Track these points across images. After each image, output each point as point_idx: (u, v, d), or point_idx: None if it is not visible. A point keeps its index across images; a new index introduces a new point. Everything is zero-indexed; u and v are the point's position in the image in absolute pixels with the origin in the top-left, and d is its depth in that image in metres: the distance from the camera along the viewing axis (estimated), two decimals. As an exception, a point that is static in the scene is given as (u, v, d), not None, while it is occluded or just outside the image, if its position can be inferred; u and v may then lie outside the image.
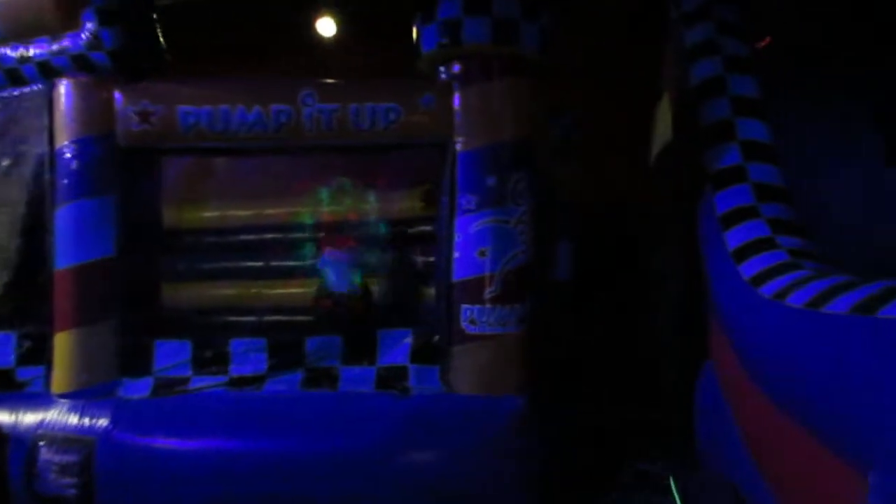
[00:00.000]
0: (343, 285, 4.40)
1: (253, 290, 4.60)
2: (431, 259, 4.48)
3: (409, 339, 4.22)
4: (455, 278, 4.10)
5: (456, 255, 4.10)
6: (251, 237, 4.72)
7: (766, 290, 3.19)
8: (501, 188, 4.07)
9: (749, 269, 3.54)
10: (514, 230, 4.23)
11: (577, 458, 4.86)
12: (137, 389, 4.16)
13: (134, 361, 4.20)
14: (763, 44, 4.72)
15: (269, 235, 4.76)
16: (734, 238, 3.80)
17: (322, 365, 4.37)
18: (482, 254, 4.18)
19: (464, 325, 4.08)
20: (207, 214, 4.78)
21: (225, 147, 4.22)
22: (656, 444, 5.22)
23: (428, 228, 4.28)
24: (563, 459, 4.60)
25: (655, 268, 5.98)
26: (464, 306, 4.07)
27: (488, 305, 4.18)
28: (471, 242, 4.06)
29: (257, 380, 4.23)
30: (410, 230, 4.67)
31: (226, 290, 4.66)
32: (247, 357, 4.37)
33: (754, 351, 3.13)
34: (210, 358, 4.25)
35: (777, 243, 3.60)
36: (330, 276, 4.52)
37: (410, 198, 4.66)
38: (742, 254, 3.68)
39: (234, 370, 4.28)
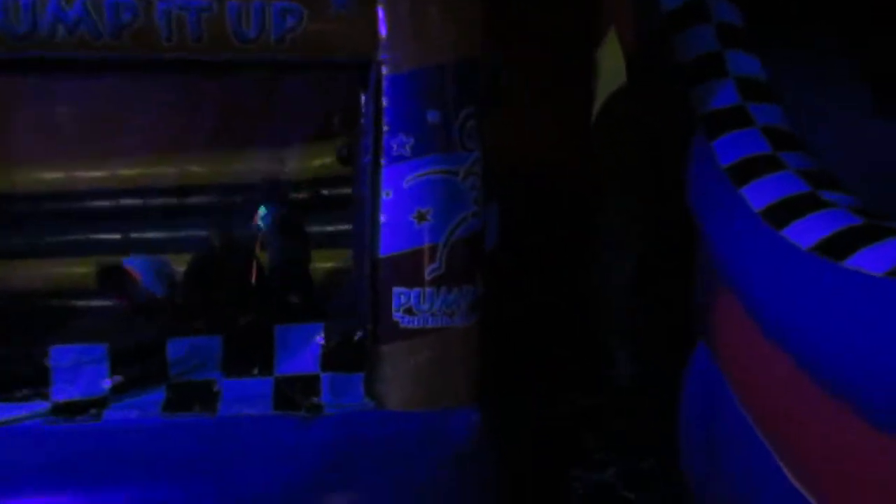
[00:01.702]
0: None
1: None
2: (348, 227, 3.29)
3: (318, 338, 3.25)
4: (382, 252, 3.19)
5: (383, 219, 3.19)
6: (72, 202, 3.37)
7: (858, 261, 2.36)
8: (446, 126, 3.14)
9: (800, 233, 2.70)
10: (463, 185, 3.15)
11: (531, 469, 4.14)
12: None
13: None
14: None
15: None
16: (760, 195, 3.05)
17: (193, 378, 3.15)
18: (420, 217, 3.10)
19: (396, 316, 3.16)
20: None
21: (32, 63, 3.00)
22: (610, 439, 4.62)
23: (345, 191, 3.49)
24: (518, 476, 3.71)
25: (600, 235, 5.15)
26: (396, 290, 3.16)
27: (430, 289, 3.15)
28: (404, 202, 3.16)
29: (94, 405, 3.08)
30: (319, 194, 3.85)
31: (40, 271, 3.27)
32: (77, 372, 3.07)
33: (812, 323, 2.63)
34: (19, 375, 3.06)
35: (825, 200, 2.80)
36: None
37: (320, 151, 3.67)
38: (779, 214, 2.87)
39: (58, 392, 3.07)
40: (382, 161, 3.16)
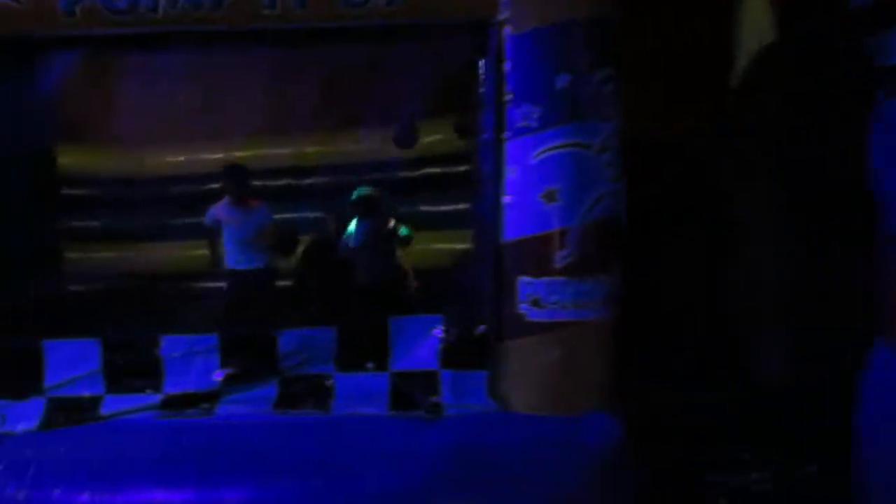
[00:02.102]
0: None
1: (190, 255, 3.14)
2: (467, 208, 2.91)
3: (436, 331, 2.96)
4: (506, 237, 2.87)
5: (507, 200, 2.86)
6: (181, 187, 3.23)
7: None
8: (578, 92, 2.76)
9: None
10: (597, 159, 2.75)
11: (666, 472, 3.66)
12: (20, 418, 2.87)
13: (12, 374, 2.91)
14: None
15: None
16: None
17: (305, 372, 2.91)
18: (549, 197, 2.74)
19: (522, 308, 2.83)
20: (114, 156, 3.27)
21: (134, 39, 2.86)
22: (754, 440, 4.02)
23: (463, 168, 3.23)
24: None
25: (741, 216, 4.56)
26: (522, 280, 2.83)
27: (560, 278, 2.79)
28: (531, 180, 2.81)
29: (206, 398, 2.91)
30: (438, 172, 3.56)
31: (150, 256, 3.16)
32: (189, 363, 2.93)
33: None
34: (131, 366, 2.92)
35: None
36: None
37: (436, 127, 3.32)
38: None
39: (170, 384, 2.92)
40: (506, 135, 2.81)
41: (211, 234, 3.88)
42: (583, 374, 2.84)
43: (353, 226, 3.61)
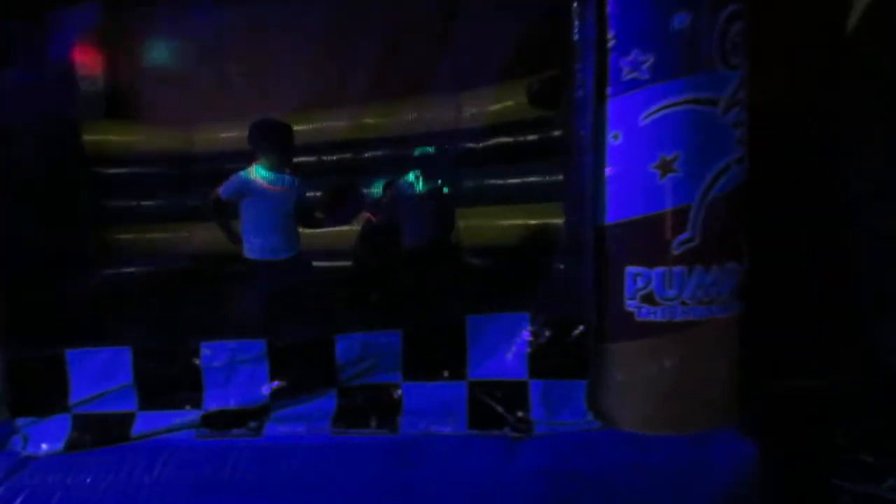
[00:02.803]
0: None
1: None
2: (557, 180, 2.44)
3: (524, 332, 2.43)
4: (609, 219, 2.32)
5: (609, 172, 2.31)
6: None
7: None
8: (700, 36, 2.18)
9: None
10: (724, 118, 2.17)
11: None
12: (44, 437, 2.50)
13: (36, 387, 2.53)
14: None
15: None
16: None
17: (368, 382, 2.44)
18: (665, 167, 2.20)
19: (630, 305, 2.30)
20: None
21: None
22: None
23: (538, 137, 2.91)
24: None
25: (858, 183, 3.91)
26: (630, 271, 2.30)
27: (678, 268, 2.25)
28: (641, 147, 2.25)
29: (253, 415, 2.47)
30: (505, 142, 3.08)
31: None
32: (232, 374, 2.48)
33: None
34: (167, 377, 2.49)
35: None
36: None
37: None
38: None
39: (211, 399, 2.49)
40: (608, 90, 2.26)
41: (224, 211, 3.02)
42: (706, 384, 2.30)
43: (411, 177, 3.05)
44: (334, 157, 3.90)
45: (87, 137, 3.76)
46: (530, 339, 2.41)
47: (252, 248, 2.98)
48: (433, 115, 3.42)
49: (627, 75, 2.22)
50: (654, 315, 2.26)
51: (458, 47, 3.20)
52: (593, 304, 2.32)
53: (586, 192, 2.30)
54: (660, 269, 2.25)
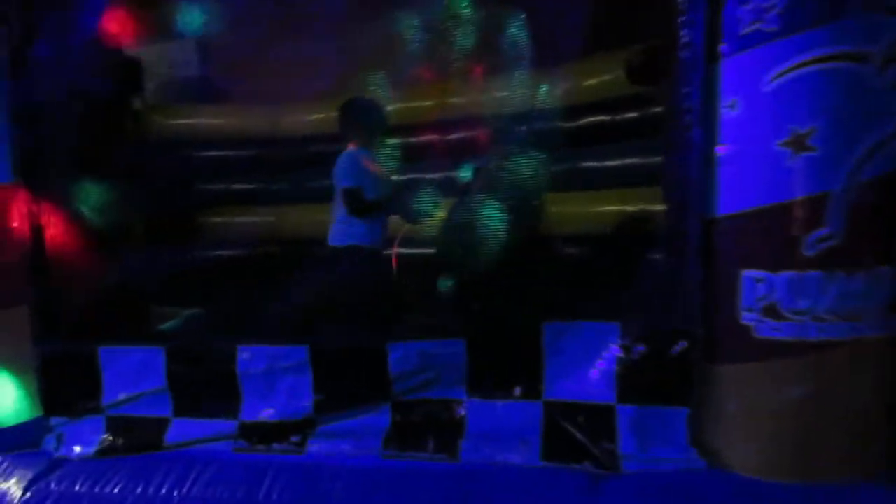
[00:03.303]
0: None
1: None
2: (654, 166, 1.99)
3: (612, 347, 2.01)
4: (721, 210, 1.89)
5: (722, 151, 1.86)
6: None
7: None
8: None
9: None
10: (878, 79, 1.66)
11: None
12: (78, 439, 2.33)
13: (68, 387, 2.35)
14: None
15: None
16: None
17: (425, 397, 2.10)
18: (797, 145, 1.77)
19: (748, 318, 1.85)
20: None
21: None
22: None
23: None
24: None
25: None
26: (747, 275, 1.85)
27: (813, 272, 1.78)
28: (765, 118, 1.81)
29: (294, 429, 2.19)
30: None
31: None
32: (274, 381, 2.18)
33: None
34: (202, 382, 2.25)
35: None
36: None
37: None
38: None
39: (248, 409, 2.22)
40: (722, 48, 1.81)
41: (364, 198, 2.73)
42: (847, 422, 1.81)
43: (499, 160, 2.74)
44: (420, 139, 3.61)
45: (177, 121, 3.68)
46: (620, 354, 1.98)
47: (351, 234, 2.70)
48: (521, 93, 3.05)
49: (748, 27, 1.76)
50: (779, 332, 1.79)
51: (546, 18, 2.82)
52: (699, 314, 1.87)
53: (693, 176, 1.85)
54: (787, 273, 1.77)
